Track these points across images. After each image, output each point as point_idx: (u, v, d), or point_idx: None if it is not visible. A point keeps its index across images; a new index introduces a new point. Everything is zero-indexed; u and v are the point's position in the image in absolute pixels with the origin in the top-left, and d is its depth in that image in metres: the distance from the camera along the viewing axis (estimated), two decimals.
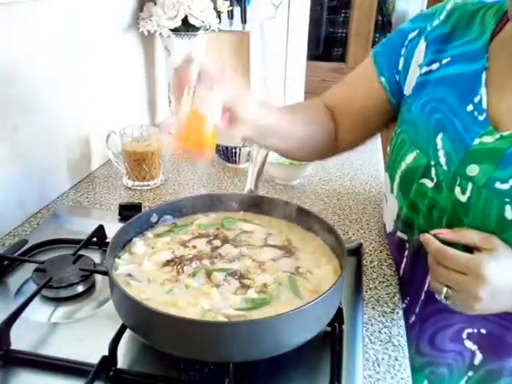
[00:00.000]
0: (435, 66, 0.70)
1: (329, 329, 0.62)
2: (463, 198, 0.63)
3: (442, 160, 0.65)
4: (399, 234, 0.76)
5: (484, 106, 0.62)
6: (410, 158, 0.70)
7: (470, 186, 0.62)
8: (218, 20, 1.33)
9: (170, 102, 1.39)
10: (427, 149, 0.67)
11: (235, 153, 1.13)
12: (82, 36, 1.03)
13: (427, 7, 2.55)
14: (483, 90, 0.63)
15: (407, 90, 0.75)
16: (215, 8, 1.33)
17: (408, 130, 0.72)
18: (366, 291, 0.75)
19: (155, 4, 1.24)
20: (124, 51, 1.25)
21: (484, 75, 0.63)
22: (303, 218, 0.74)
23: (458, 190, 0.63)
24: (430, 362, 0.74)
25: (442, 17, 0.71)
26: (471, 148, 0.62)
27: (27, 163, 0.90)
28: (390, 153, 0.77)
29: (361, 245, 0.86)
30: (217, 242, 0.71)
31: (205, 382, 0.56)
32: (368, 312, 0.70)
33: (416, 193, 0.69)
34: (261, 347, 0.53)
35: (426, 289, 0.71)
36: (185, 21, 1.24)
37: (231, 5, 1.53)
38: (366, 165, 1.24)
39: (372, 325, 0.68)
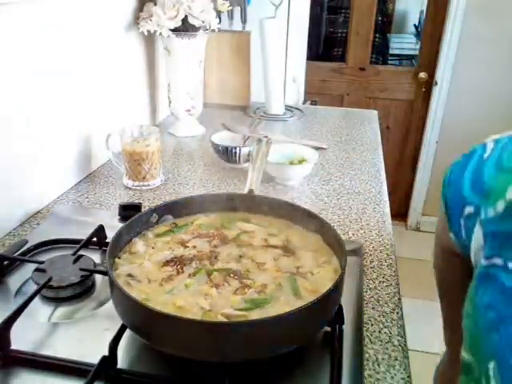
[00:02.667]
0: (499, 261, 0.52)
1: (329, 329, 0.62)
2: None
3: None
4: None
5: None
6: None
7: None
8: (217, 20, 1.33)
9: (169, 101, 1.39)
10: (480, 375, 0.52)
11: (235, 153, 1.13)
12: (82, 36, 1.03)
13: (427, 7, 2.56)
14: None
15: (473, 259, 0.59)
16: (215, 8, 1.33)
17: (469, 326, 0.55)
18: (366, 291, 0.75)
19: (155, 4, 1.24)
20: (124, 51, 1.25)
21: None
22: (303, 217, 0.74)
23: None
24: None
25: (501, 208, 0.51)
26: None
27: (27, 163, 0.90)
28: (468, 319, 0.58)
29: (361, 245, 0.86)
30: (217, 242, 0.71)
31: (205, 382, 0.56)
32: (368, 312, 0.70)
33: None
34: (261, 347, 0.53)
35: None
36: (185, 21, 1.23)
37: (231, 5, 1.53)
38: (366, 165, 1.24)
39: (372, 325, 0.68)
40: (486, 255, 0.53)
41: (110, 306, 0.61)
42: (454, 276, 0.68)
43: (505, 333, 0.49)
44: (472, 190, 0.59)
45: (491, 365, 0.50)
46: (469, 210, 0.58)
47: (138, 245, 0.69)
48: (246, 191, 0.80)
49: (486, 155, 0.58)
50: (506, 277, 0.51)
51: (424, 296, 2.15)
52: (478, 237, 0.55)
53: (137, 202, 0.94)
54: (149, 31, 1.24)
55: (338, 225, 0.94)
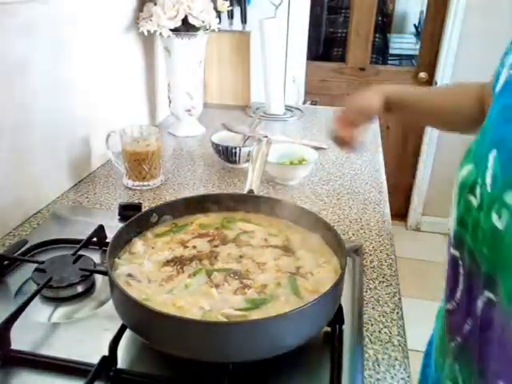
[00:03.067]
0: None
1: (329, 329, 0.62)
2: (500, 225, 0.55)
3: (488, 180, 0.58)
4: (452, 250, 0.67)
5: None
6: (465, 170, 0.63)
7: (506, 214, 0.54)
8: (217, 20, 1.33)
9: (169, 101, 1.40)
10: (479, 165, 0.60)
11: (235, 153, 1.13)
12: (82, 36, 1.03)
13: (427, 7, 2.56)
14: None
15: (497, 91, 0.68)
16: (215, 8, 1.33)
17: (478, 138, 0.65)
18: (366, 291, 0.75)
19: (155, 4, 1.24)
20: (124, 51, 1.25)
21: None
22: (303, 217, 0.74)
23: (494, 215, 0.56)
24: None
25: None
26: None
27: (27, 163, 0.90)
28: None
29: (361, 245, 0.86)
30: (217, 242, 0.71)
31: (205, 382, 0.56)
32: (368, 312, 0.70)
33: (464, 208, 0.62)
34: (261, 347, 0.53)
35: (472, 314, 0.61)
36: (185, 21, 1.24)
37: (231, 5, 1.53)
38: (366, 165, 1.24)
39: (372, 325, 0.68)
40: None
41: (110, 306, 0.61)
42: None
43: (507, 124, 0.58)
44: None
45: (492, 153, 0.58)
46: None
47: (138, 245, 0.69)
48: (245, 191, 0.80)
49: None
50: None
51: (424, 296, 2.15)
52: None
53: (137, 202, 0.94)
54: (149, 31, 1.24)
55: (337, 225, 0.94)
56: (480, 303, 0.59)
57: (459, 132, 0.92)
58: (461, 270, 0.64)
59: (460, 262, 0.64)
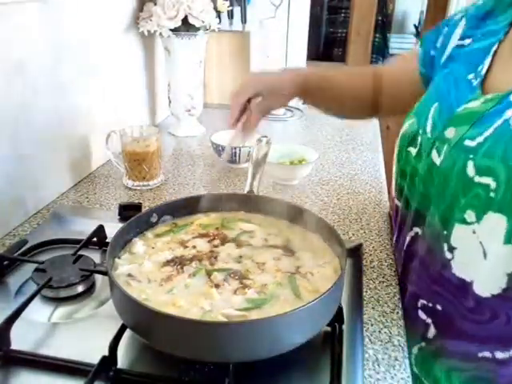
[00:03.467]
0: (468, 41, 0.71)
1: (329, 329, 0.62)
2: (438, 161, 0.64)
3: (428, 128, 0.67)
4: (396, 201, 0.78)
5: (482, 72, 0.64)
6: (406, 124, 0.73)
7: (445, 147, 0.63)
8: (217, 20, 1.33)
9: (169, 101, 1.40)
10: (421, 117, 0.69)
11: (235, 153, 1.13)
12: (82, 36, 1.03)
13: (427, 7, 2.56)
14: (488, 60, 0.65)
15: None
16: (215, 8, 1.33)
17: (422, 97, 0.74)
18: (366, 291, 0.75)
19: (155, 4, 1.24)
20: (124, 51, 1.25)
21: (495, 47, 0.65)
22: (303, 217, 0.74)
23: (434, 153, 0.64)
24: None
25: None
26: (455, 114, 0.63)
27: (27, 163, 0.90)
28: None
29: (361, 245, 0.86)
30: (217, 242, 0.71)
31: (205, 382, 0.56)
32: (368, 312, 0.70)
33: (404, 161, 0.72)
34: (261, 347, 0.53)
35: (404, 249, 0.74)
36: (185, 21, 1.24)
37: (231, 5, 1.53)
38: (366, 165, 1.24)
39: (372, 325, 0.68)
40: (461, 36, 0.73)
41: (110, 305, 0.61)
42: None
43: (448, 81, 0.69)
44: (462, 8, 0.78)
45: (434, 105, 0.68)
46: (457, 16, 0.76)
47: (138, 245, 0.69)
48: (245, 191, 0.80)
49: None
50: (468, 48, 0.71)
51: None
52: (460, 27, 0.74)
53: (137, 202, 0.94)
54: (149, 31, 1.25)
55: (338, 225, 0.94)
56: (408, 238, 0.72)
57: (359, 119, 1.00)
58: (399, 218, 0.78)
59: (399, 212, 0.77)
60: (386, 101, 0.92)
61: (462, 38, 0.73)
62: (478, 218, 0.58)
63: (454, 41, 0.75)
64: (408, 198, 0.72)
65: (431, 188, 0.65)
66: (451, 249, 0.62)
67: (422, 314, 0.69)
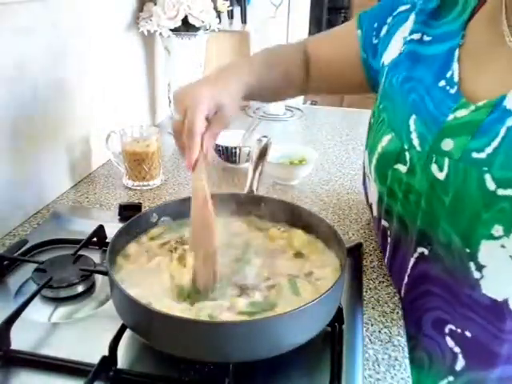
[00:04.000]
0: (417, 36, 0.71)
1: (329, 329, 0.62)
2: (441, 176, 0.61)
3: (416, 142, 0.64)
4: (383, 221, 0.75)
5: (456, 79, 0.63)
6: (385, 141, 0.69)
7: (446, 161, 0.60)
8: (217, 20, 1.33)
9: (169, 101, 1.39)
10: (401, 132, 0.66)
11: (235, 153, 1.13)
12: (82, 36, 1.03)
13: None
14: (455, 65, 0.64)
15: (387, 59, 0.75)
16: (215, 8, 1.33)
17: (388, 108, 0.72)
18: (366, 291, 0.75)
19: (155, 4, 1.24)
20: (124, 51, 1.25)
21: (457, 51, 0.65)
22: (303, 218, 0.74)
23: (434, 167, 0.62)
24: (415, 346, 0.71)
25: None
26: (445, 124, 0.61)
27: (27, 163, 0.90)
28: (370, 129, 0.77)
29: (361, 245, 0.86)
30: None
31: (205, 382, 0.56)
32: (368, 312, 0.70)
33: (392, 179, 0.68)
34: (261, 347, 0.53)
35: (408, 273, 0.70)
36: (185, 21, 1.23)
37: (231, 5, 1.53)
38: None
39: (372, 325, 0.68)
40: (411, 31, 0.71)
41: (110, 306, 0.61)
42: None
43: (417, 90, 0.66)
44: None
45: (412, 117, 0.65)
46: (404, 7, 0.75)
47: (138, 245, 0.69)
48: (245, 191, 0.80)
49: None
50: (421, 47, 0.69)
51: None
52: (408, 24, 0.72)
53: (137, 202, 0.94)
54: (149, 31, 1.24)
55: (337, 225, 0.94)
56: (412, 260, 0.68)
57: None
58: (388, 240, 0.74)
59: (388, 232, 0.74)
60: (316, 83, 0.91)
61: (411, 33, 0.71)
62: (507, 232, 0.55)
63: (401, 37, 0.73)
64: (403, 218, 0.68)
65: (438, 205, 0.62)
66: (480, 267, 0.59)
67: (450, 342, 0.67)
